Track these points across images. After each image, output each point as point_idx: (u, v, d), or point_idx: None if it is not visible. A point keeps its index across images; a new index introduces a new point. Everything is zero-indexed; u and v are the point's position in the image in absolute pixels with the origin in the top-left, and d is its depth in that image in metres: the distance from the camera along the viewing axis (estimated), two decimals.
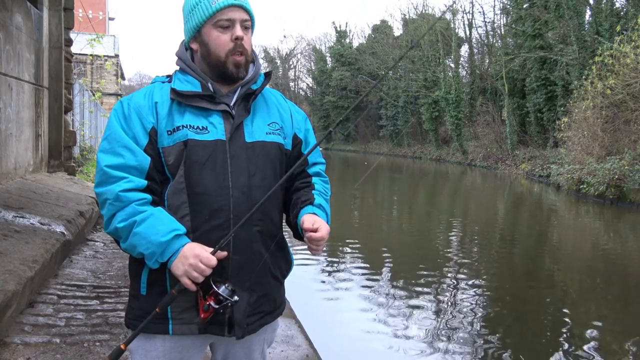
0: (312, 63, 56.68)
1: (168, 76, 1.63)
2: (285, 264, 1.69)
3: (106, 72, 29.94)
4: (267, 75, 1.68)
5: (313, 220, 1.52)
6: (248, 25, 1.57)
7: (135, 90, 1.68)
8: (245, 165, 1.53)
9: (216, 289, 1.44)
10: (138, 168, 1.48)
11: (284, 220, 1.71)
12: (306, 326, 3.94)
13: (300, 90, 60.59)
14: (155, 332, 1.52)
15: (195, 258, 1.42)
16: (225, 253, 1.47)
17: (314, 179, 1.70)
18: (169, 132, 1.51)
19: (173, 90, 1.54)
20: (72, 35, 9.05)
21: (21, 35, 6.46)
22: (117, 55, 31.86)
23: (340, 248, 8.63)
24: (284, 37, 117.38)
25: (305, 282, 6.49)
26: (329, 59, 52.23)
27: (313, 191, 1.65)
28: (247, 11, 1.56)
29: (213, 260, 1.43)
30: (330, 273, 7.05)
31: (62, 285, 4.20)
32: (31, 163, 7.03)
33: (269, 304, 1.62)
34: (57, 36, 7.94)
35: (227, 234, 1.48)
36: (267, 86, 1.71)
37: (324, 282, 6.60)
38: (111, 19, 42.23)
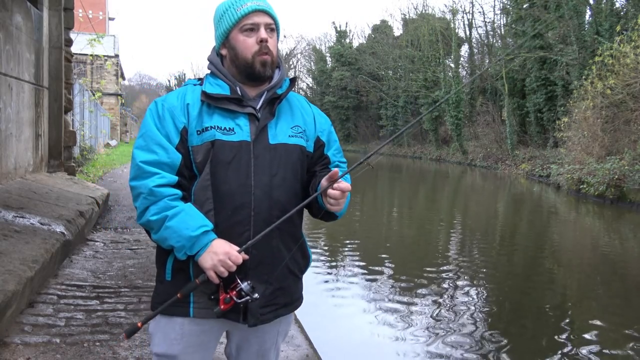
0: (312, 63, 56.71)
1: (199, 79, 1.73)
2: (303, 260, 1.80)
3: (106, 72, 29.95)
4: (292, 80, 1.78)
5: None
6: (273, 27, 1.67)
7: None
8: (267, 165, 1.63)
9: (240, 285, 1.55)
10: (170, 165, 1.59)
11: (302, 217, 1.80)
12: (306, 326, 3.94)
13: (300, 90, 60.54)
14: (176, 315, 1.63)
15: (225, 255, 1.53)
16: (247, 256, 1.58)
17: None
18: (199, 132, 1.61)
19: (203, 93, 1.64)
20: (72, 35, 9.05)
21: (21, 35, 6.46)
22: (117, 55, 31.87)
23: (341, 248, 8.63)
24: (284, 37, 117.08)
25: (305, 282, 6.49)
26: (329, 59, 52.24)
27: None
28: (270, 16, 1.67)
29: (240, 259, 1.55)
30: (330, 273, 7.05)
31: (62, 285, 4.20)
32: (31, 163, 7.03)
33: (285, 297, 1.72)
34: (57, 36, 7.94)
35: (248, 229, 1.60)
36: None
37: (324, 282, 6.60)
38: (111, 19, 42.24)
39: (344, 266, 7.48)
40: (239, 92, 1.66)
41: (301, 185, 1.72)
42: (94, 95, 16.81)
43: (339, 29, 50.83)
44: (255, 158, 1.61)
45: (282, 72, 1.74)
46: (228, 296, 1.56)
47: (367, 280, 6.70)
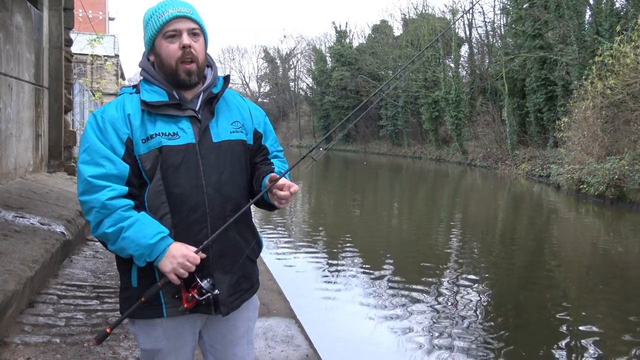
0: (312, 63, 56.60)
1: (134, 86, 1.77)
2: (257, 247, 1.90)
3: (106, 72, 29.92)
4: (226, 78, 1.83)
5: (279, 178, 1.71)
6: (197, 32, 1.72)
7: None
8: (215, 164, 1.71)
9: (200, 283, 1.64)
10: (119, 176, 1.63)
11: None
12: (306, 326, 3.94)
13: (300, 90, 60.52)
14: (152, 317, 1.71)
15: (183, 257, 1.60)
16: (204, 255, 1.66)
17: (273, 160, 1.88)
18: (144, 141, 1.65)
19: (143, 102, 1.68)
20: (72, 35, 9.05)
21: (21, 35, 6.46)
22: (117, 55, 31.83)
23: (340, 248, 8.63)
24: (284, 37, 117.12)
25: (305, 282, 6.50)
26: (329, 59, 52.15)
27: (272, 166, 1.84)
28: (193, 20, 1.71)
29: (197, 259, 1.62)
30: (330, 273, 7.05)
31: (62, 285, 4.20)
32: (31, 163, 7.03)
33: (247, 283, 1.83)
34: (57, 36, 7.94)
35: (205, 226, 1.67)
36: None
37: (324, 282, 6.60)
38: (111, 19, 42.19)
39: (344, 266, 7.47)
40: (177, 97, 1.71)
41: (247, 177, 1.81)
42: (94, 95, 16.81)
43: (339, 29, 50.77)
44: (202, 158, 1.68)
45: (215, 71, 1.81)
46: (190, 295, 1.64)
47: (368, 279, 6.70)
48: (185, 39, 1.67)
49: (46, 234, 4.46)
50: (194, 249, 1.63)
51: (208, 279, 1.66)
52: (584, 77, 17.29)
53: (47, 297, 3.87)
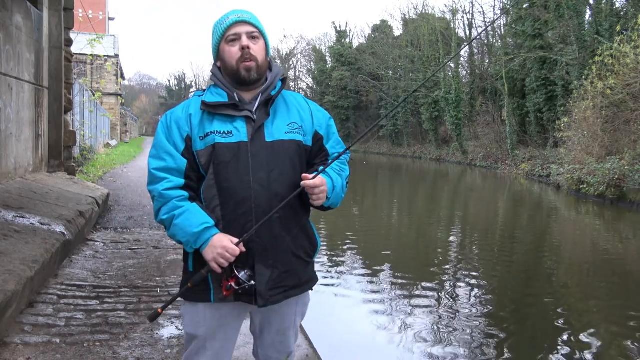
0: (312, 63, 56.66)
1: (203, 90, 1.95)
2: (309, 245, 1.95)
3: (106, 72, 29.93)
4: (283, 80, 1.95)
5: (313, 175, 1.79)
6: (255, 35, 1.86)
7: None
8: (265, 162, 1.80)
9: (237, 274, 1.76)
10: (177, 169, 1.81)
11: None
12: (306, 326, 3.94)
13: (300, 90, 60.52)
14: (200, 300, 1.85)
15: (222, 248, 1.73)
16: (244, 249, 1.76)
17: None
18: (201, 138, 1.82)
19: (203, 103, 1.85)
20: (72, 35, 9.05)
21: (21, 35, 6.47)
22: (117, 55, 31.86)
23: (341, 248, 8.63)
24: (284, 37, 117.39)
25: None
26: (329, 59, 52.20)
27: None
28: (252, 24, 1.86)
29: (237, 251, 1.74)
30: (330, 273, 7.05)
31: (62, 285, 4.20)
32: (31, 163, 7.03)
33: (293, 280, 1.89)
34: (57, 36, 7.94)
35: (251, 220, 1.77)
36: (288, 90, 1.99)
37: (323, 282, 6.60)
38: (111, 19, 42.24)
39: (344, 266, 7.47)
40: (236, 98, 1.85)
41: (301, 177, 1.85)
42: (94, 95, 16.84)
43: (339, 29, 50.79)
44: (253, 156, 1.79)
45: (274, 73, 1.92)
46: (229, 284, 1.77)
47: (368, 279, 6.69)
48: (244, 40, 1.82)
49: (46, 234, 4.47)
50: (236, 240, 1.74)
51: (246, 271, 1.77)
52: (584, 77, 17.29)
53: (47, 297, 3.87)
